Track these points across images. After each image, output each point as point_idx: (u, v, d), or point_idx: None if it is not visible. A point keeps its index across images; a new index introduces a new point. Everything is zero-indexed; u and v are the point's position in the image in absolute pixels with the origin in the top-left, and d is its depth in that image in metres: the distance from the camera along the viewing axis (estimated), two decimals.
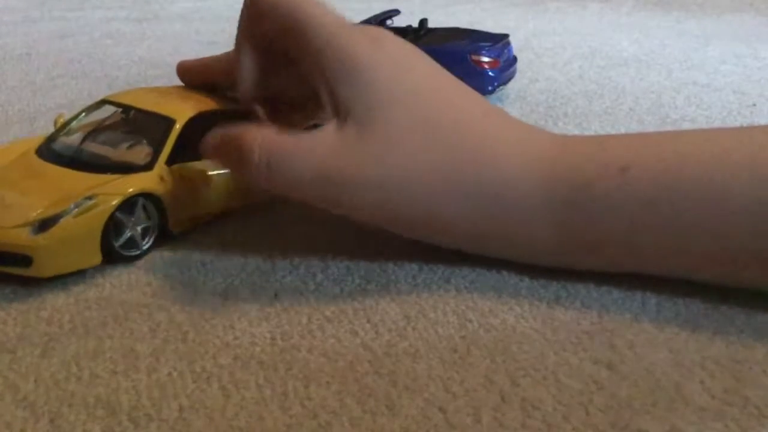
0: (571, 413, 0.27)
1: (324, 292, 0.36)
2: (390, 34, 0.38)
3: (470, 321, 0.33)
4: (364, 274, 0.37)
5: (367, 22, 0.66)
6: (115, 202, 0.36)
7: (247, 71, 0.39)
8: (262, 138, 0.35)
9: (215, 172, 0.40)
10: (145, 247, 0.39)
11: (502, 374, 0.29)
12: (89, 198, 0.36)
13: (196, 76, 0.44)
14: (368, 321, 0.33)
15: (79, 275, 0.37)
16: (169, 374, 0.30)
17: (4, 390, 0.29)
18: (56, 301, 0.35)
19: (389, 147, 0.34)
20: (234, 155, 0.35)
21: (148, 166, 0.39)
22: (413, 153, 0.34)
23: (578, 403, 0.28)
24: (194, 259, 0.39)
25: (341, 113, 0.35)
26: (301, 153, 0.34)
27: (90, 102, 0.44)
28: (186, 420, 0.27)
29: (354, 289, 0.36)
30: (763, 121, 0.61)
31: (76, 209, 0.35)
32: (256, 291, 0.36)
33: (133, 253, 0.38)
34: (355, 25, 0.38)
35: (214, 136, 0.37)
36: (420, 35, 0.66)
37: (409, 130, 0.34)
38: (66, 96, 0.68)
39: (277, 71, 0.41)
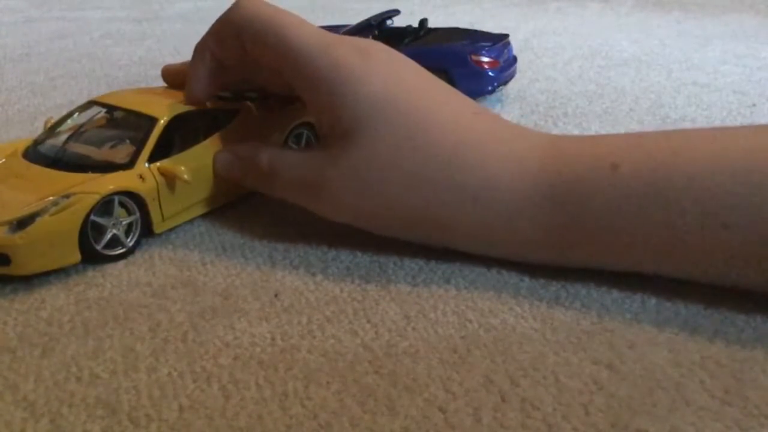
0: (571, 413, 0.27)
1: (324, 292, 0.36)
2: (378, 45, 0.39)
3: (470, 321, 0.33)
4: (364, 274, 0.37)
5: (368, 22, 0.66)
6: (91, 200, 0.36)
7: (199, 79, 0.42)
8: (270, 154, 0.40)
9: (193, 171, 0.40)
10: (130, 244, 0.39)
11: (502, 374, 0.29)
12: (66, 197, 0.36)
13: (180, 79, 0.45)
14: (368, 321, 0.33)
15: (79, 275, 0.37)
16: (169, 374, 0.30)
17: (4, 390, 0.29)
18: (56, 301, 0.35)
19: (372, 154, 0.36)
20: (246, 168, 0.41)
21: (128, 165, 0.39)
22: (396, 160, 0.36)
23: (578, 403, 0.28)
24: (194, 259, 0.39)
25: (330, 123, 0.37)
26: (297, 164, 0.39)
27: None
28: (186, 420, 0.27)
29: (354, 289, 0.36)
30: (763, 122, 0.61)
31: (53, 208, 0.35)
32: (256, 291, 0.36)
33: (119, 251, 0.38)
34: (339, 37, 0.39)
35: (227, 154, 0.42)
36: (420, 35, 0.66)
37: (393, 139, 0.36)
38: (66, 96, 0.68)
39: (260, 72, 0.43)
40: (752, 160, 0.31)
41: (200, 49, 0.41)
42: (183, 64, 0.45)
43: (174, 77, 0.45)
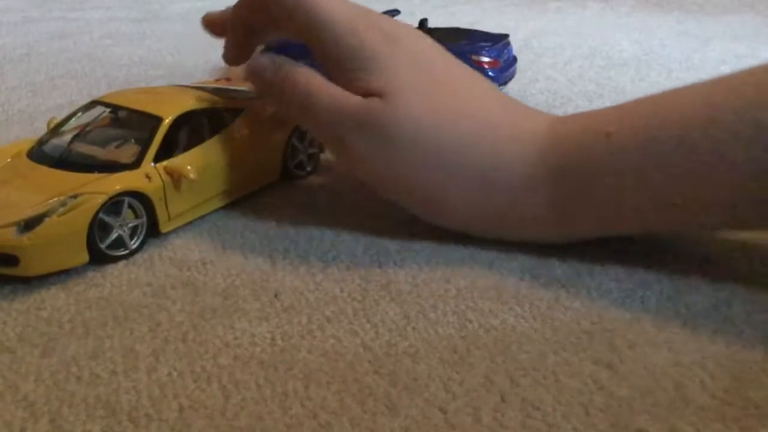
0: (571, 413, 0.27)
1: (324, 292, 0.36)
2: (406, 29, 0.41)
3: (470, 321, 0.33)
4: (364, 274, 0.37)
5: None
6: (99, 200, 0.36)
7: (234, 47, 0.44)
8: (310, 74, 0.39)
9: (198, 170, 0.40)
10: (133, 246, 0.39)
11: (502, 374, 0.29)
12: (73, 197, 0.36)
13: (220, 28, 0.45)
14: (368, 321, 0.33)
15: (79, 275, 0.37)
16: (169, 374, 0.30)
17: (4, 390, 0.29)
18: (56, 301, 0.35)
19: (395, 129, 0.37)
20: (280, 78, 0.39)
21: (134, 165, 0.39)
22: (417, 137, 0.37)
23: (578, 403, 0.28)
24: (194, 259, 0.39)
25: (358, 88, 0.38)
26: (335, 96, 0.38)
27: None
28: (186, 420, 0.27)
29: (354, 289, 0.36)
30: None
31: (61, 208, 0.35)
32: (256, 291, 0.36)
33: (121, 253, 0.38)
34: (370, 20, 0.39)
35: (266, 56, 0.40)
36: None
37: (415, 116, 0.37)
38: (66, 96, 0.68)
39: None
40: (738, 106, 0.33)
41: (233, 17, 0.42)
42: (224, 12, 0.44)
43: (215, 26, 0.45)
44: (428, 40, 0.41)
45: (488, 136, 0.37)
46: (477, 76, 0.41)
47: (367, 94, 0.37)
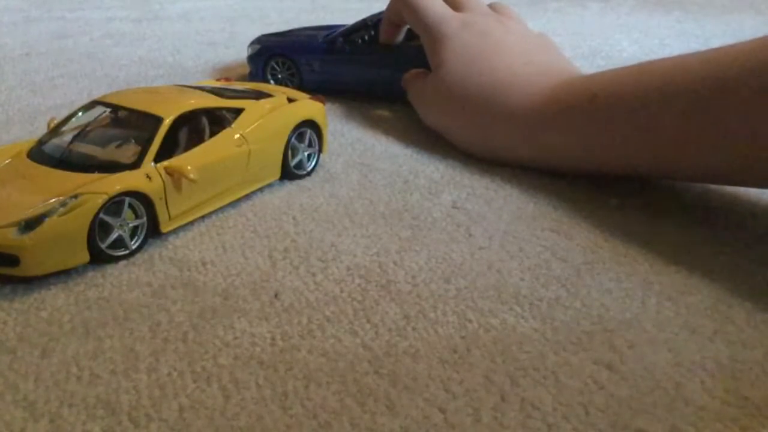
0: (571, 413, 0.27)
1: (324, 292, 0.36)
2: (484, 19, 0.56)
3: (470, 321, 0.33)
4: (364, 274, 0.37)
5: (363, 22, 0.66)
6: (100, 200, 0.36)
7: (383, 30, 0.64)
8: (417, 73, 0.60)
9: (198, 170, 0.40)
10: (134, 246, 0.39)
11: (502, 374, 0.29)
12: (74, 197, 0.36)
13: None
14: (368, 321, 0.33)
15: (79, 275, 0.37)
16: (169, 374, 0.30)
17: (4, 390, 0.29)
18: (56, 301, 0.35)
19: (448, 82, 0.54)
20: (407, 80, 0.61)
21: (134, 165, 0.39)
22: (464, 89, 0.52)
23: (578, 403, 0.28)
24: (194, 259, 0.39)
25: (432, 62, 0.56)
26: (421, 80, 0.58)
27: None
28: (186, 420, 0.27)
29: (354, 289, 0.36)
30: None
31: (62, 208, 0.35)
32: (256, 291, 0.36)
33: (122, 253, 0.38)
34: (456, 16, 0.56)
35: (407, 74, 0.61)
36: (417, 34, 0.66)
37: (463, 73, 0.53)
38: (66, 96, 0.68)
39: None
40: (691, 80, 0.40)
41: (385, 15, 0.63)
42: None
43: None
44: (499, 24, 0.55)
45: (511, 91, 0.50)
46: (524, 43, 0.54)
47: (436, 64, 0.55)
